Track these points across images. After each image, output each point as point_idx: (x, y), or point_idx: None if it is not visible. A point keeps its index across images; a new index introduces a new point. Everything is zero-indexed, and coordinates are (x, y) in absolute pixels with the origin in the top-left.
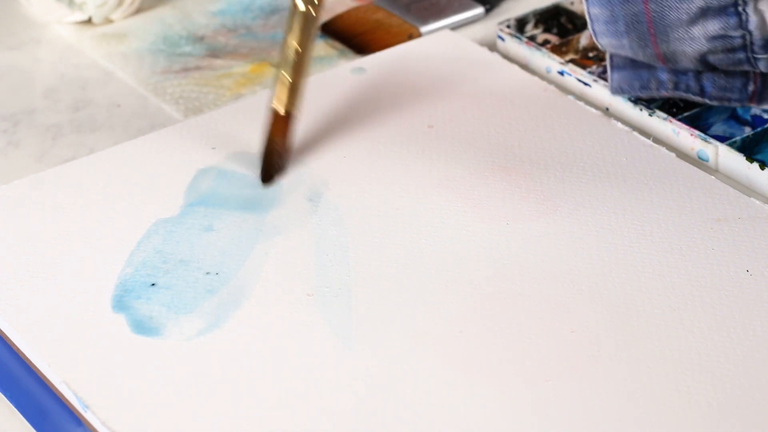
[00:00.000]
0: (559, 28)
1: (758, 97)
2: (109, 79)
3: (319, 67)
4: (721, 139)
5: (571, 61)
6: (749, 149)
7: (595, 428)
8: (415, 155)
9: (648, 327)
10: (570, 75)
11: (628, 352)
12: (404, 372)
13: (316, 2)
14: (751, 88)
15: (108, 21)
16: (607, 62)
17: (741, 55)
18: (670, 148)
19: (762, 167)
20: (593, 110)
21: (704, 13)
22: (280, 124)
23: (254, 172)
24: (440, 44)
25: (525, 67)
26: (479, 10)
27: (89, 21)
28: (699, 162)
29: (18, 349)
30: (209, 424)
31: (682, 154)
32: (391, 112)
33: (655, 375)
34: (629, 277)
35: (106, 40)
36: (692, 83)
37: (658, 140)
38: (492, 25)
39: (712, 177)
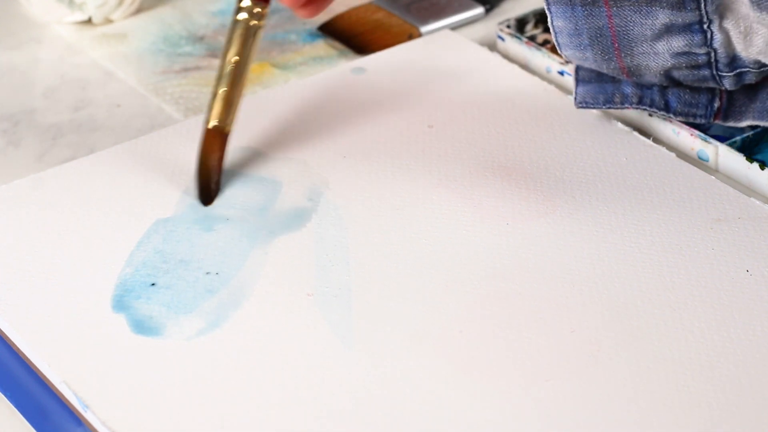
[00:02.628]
0: None
1: (723, 114)
2: (109, 79)
3: (319, 67)
4: (721, 139)
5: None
6: (749, 149)
7: (595, 428)
8: (415, 155)
9: (648, 327)
10: (570, 75)
11: (628, 352)
12: (404, 372)
13: (259, 12)
14: (716, 104)
15: (108, 21)
16: (573, 76)
17: (706, 72)
18: (670, 148)
19: (762, 167)
20: (593, 110)
21: (668, 30)
22: (215, 141)
23: (254, 180)
24: (440, 44)
25: (525, 67)
26: (479, 10)
27: (89, 21)
28: (699, 162)
29: (18, 349)
30: (209, 423)
31: (682, 154)
32: (391, 112)
33: (655, 375)
34: (629, 277)
35: (106, 40)
36: (657, 98)
37: (658, 140)
38: (492, 25)
39: (712, 177)
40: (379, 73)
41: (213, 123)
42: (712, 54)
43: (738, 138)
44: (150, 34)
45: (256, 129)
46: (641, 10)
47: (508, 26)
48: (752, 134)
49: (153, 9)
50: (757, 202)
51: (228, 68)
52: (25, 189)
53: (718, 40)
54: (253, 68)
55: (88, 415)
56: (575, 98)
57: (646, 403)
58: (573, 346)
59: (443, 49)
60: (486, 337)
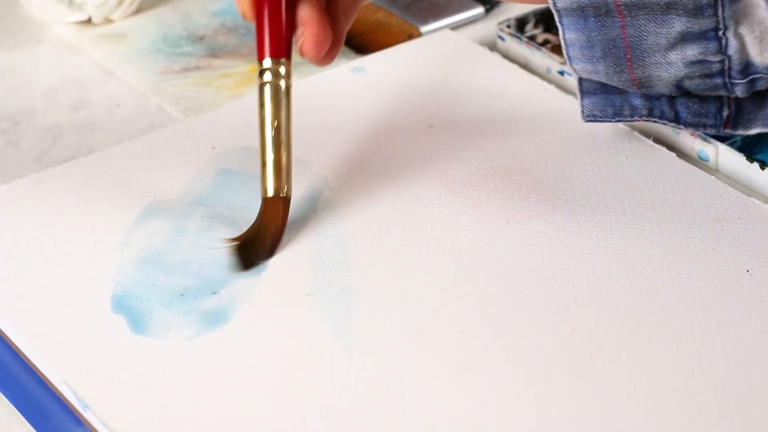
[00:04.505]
0: None
1: (733, 122)
2: (109, 79)
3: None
4: (722, 139)
5: None
6: (749, 149)
7: (595, 428)
8: (415, 155)
9: (648, 327)
10: (570, 75)
11: (628, 352)
12: (404, 372)
13: (283, 73)
14: (725, 113)
15: (108, 21)
16: (577, 88)
17: (718, 80)
18: (671, 148)
19: (762, 167)
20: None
21: (684, 38)
22: (276, 209)
23: (253, 179)
24: (440, 44)
25: (525, 67)
26: (479, 9)
27: (89, 21)
28: (699, 162)
29: (18, 348)
30: (209, 424)
31: (682, 154)
32: (391, 112)
33: (655, 375)
34: (629, 277)
35: (106, 40)
36: (666, 109)
37: (658, 140)
38: (492, 24)
39: (712, 177)
40: (379, 73)
41: (270, 192)
42: (726, 61)
43: (738, 138)
44: (150, 34)
45: (256, 128)
46: (656, 19)
47: (508, 26)
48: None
49: (153, 9)
50: (758, 202)
51: (271, 134)
52: (25, 189)
53: (733, 46)
54: (253, 68)
55: (88, 415)
56: (582, 111)
57: (646, 403)
58: (573, 346)
59: (443, 49)
60: (486, 337)
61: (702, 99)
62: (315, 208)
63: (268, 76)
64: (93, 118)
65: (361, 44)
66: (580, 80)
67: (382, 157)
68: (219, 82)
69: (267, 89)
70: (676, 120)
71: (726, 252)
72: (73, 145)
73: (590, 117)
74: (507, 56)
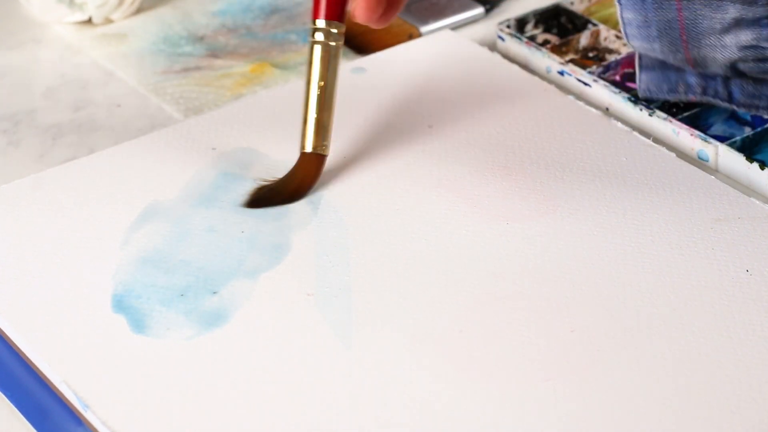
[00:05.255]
0: (559, 28)
1: None
2: (110, 79)
3: None
4: (721, 139)
5: (571, 61)
6: (749, 149)
7: (595, 428)
8: (415, 155)
9: (648, 327)
10: (570, 75)
11: (628, 351)
12: (404, 372)
13: (337, 33)
14: None
15: (108, 21)
16: (636, 62)
17: None
18: (670, 148)
19: (762, 167)
20: (593, 110)
21: (738, 24)
22: (312, 165)
23: (255, 179)
24: (440, 44)
25: (525, 67)
26: (479, 10)
27: (89, 21)
28: (699, 162)
29: (18, 348)
30: (209, 423)
31: (682, 154)
32: (391, 112)
33: (655, 375)
34: (629, 277)
35: (106, 40)
36: (720, 89)
37: (658, 140)
38: (492, 25)
39: (712, 177)
40: (379, 73)
41: (309, 148)
42: None
43: (738, 138)
44: (150, 34)
45: (256, 129)
46: (711, 5)
47: (508, 26)
48: (752, 134)
49: (153, 9)
50: (757, 201)
51: (316, 93)
52: (26, 189)
53: None
54: (253, 68)
55: (89, 415)
56: (639, 86)
57: (646, 403)
58: (573, 346)
59: (443, 49)
60: (486, 337)
61: (757, 81)
62: (315, 209)
63: (319, 36)
64: (93, 118)
65: (361, 44)
66: (640, 55)
67: (382, 158)
68: (219, 82)
69: (317, 49)
70: (730, 100)
71: (726, 252)
72: (74, 145)
73: (646, 92)
74: (507, 56)
